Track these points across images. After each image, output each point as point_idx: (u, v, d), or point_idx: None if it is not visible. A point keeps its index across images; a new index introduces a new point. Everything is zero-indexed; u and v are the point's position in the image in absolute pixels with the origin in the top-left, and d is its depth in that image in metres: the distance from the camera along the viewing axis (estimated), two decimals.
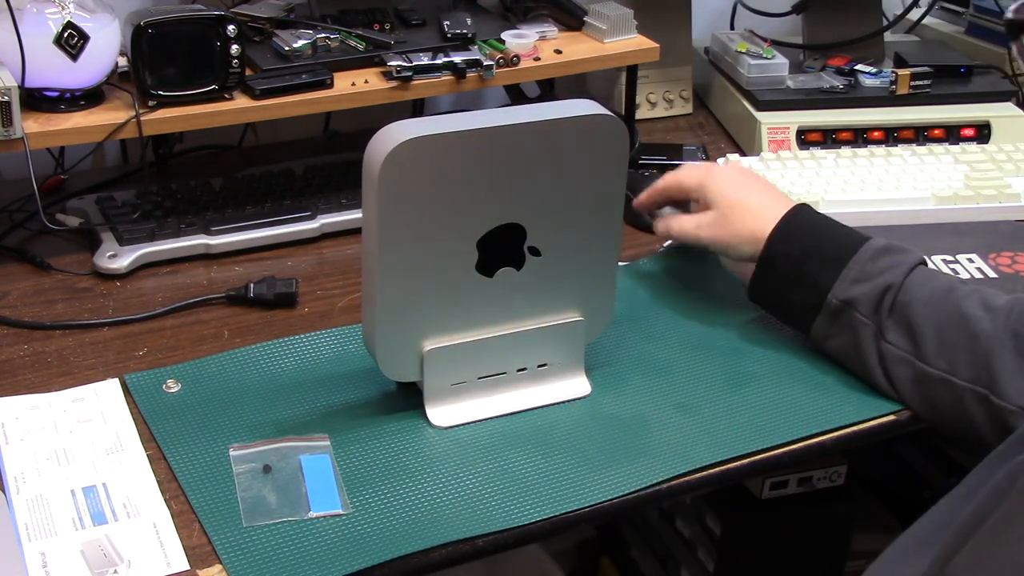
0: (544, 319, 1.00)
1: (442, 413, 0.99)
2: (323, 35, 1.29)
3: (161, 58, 1.17)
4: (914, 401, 1.02)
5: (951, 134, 1.51)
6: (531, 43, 1.34)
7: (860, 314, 1.03)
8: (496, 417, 1.00)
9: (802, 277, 1.05)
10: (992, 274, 1.21)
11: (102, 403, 0.99)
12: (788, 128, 1.49)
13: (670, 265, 1.24)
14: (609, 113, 0.95)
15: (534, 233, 0.96)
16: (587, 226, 0.98)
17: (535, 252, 0.97)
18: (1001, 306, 0.99)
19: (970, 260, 1.24)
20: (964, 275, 1.21)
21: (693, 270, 1.23)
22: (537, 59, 1.34)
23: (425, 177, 0.89)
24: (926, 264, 1.06)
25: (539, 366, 1.02)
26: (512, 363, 1.01)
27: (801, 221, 1.08)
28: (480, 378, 1.00)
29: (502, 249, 0.96)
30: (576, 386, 1.03)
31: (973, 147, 1.46)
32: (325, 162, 1.37)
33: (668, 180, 1.17)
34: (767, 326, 1.13)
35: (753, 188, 1.12)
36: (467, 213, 0.93)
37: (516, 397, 1.01)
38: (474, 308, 0.97)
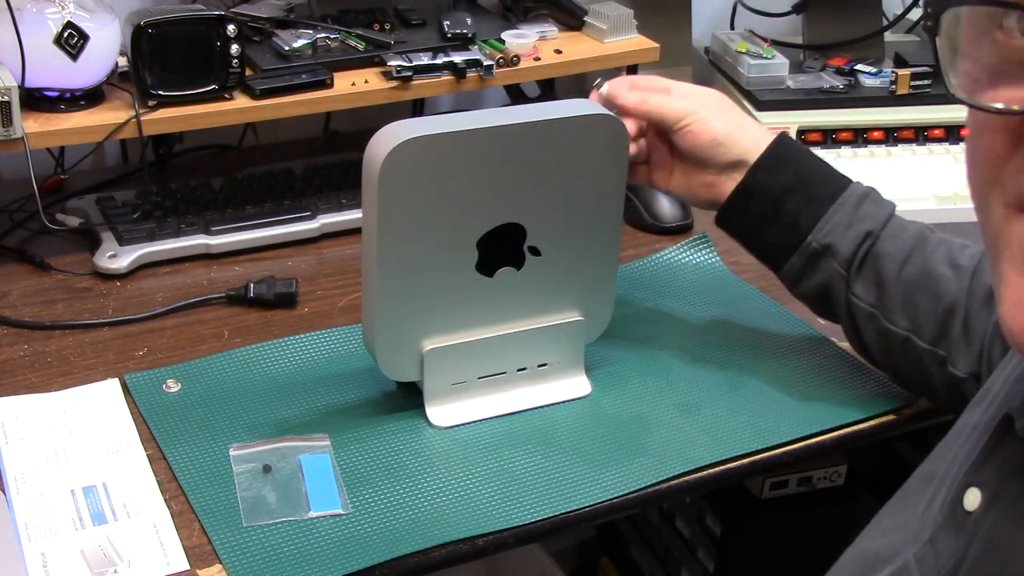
0: (544, 319, 1.00)
1: (442, 413, 0.99)
2: (323, 35, 1.29)
3: (161, 58, 1.17)
4: (878, 355, 1.01)
5: (951, 134, 1.51)
6: (531, 43, 1.34)
7: (836, 262, 0.99)
8: (496, 417, 0.99)
9: (781, 215, 1.01)
10: None
11: (102, 403, 0.99)
12: (788, 128, 1.48)
13: (670, 265, 1.24)
14: (609, 113, 0.95)
15: (534, 233, 0.96)
16: (587, 226, 0.98)
17: (535, 252, 0.97)
18: (966, 265, 0.97)
19: None
20: None
21: (693, 270, 1.23)
22: (537, 59, 1.34)
23: (425, 177, 0.89)
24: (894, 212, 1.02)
25: (539, 366, 1.02)
26: (512, 363, 1.01)
27: (787, 153, 1.02)
28: (480, 378, 1.00)
29: (502, 249, 0.96)
30: (576, 386, 1.03)
31: None
32: (325, 162, 1.37)
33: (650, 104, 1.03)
34: (767, 326, 1.13)
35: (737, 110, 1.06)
36: (467, 213, 0.93)
37: (516, 397, 1.01)
38: (474, 308, 0.97)
